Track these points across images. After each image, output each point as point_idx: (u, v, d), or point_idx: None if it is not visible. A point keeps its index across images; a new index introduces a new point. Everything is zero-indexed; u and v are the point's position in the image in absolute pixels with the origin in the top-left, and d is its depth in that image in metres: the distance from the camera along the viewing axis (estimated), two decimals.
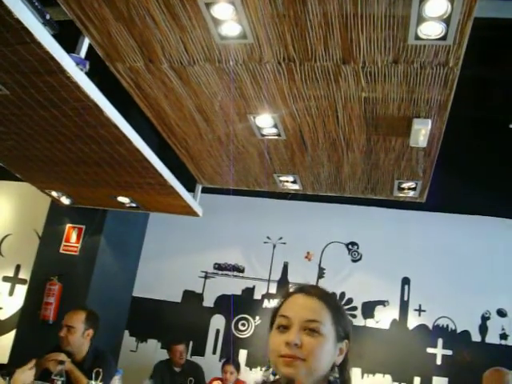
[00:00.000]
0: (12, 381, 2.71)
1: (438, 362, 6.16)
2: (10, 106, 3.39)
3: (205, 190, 5.32)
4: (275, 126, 3.77)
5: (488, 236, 6.37)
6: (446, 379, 6.09)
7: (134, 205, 5.27)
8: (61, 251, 6.11)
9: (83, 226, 6.13)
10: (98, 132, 3.61)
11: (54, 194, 5.38)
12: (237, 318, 6.69)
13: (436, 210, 6.46)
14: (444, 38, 2.62)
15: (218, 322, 6.75)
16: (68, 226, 6.18)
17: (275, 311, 1.47)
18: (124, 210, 5.57)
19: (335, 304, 1.47)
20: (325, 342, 1.37)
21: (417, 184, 4.45)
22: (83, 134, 3.68)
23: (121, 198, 5.13)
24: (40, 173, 4.74)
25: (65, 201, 5.52)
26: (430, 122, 3.44)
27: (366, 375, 6.22)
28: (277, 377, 1.44)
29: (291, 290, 1.50)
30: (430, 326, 6.31)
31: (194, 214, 5.23)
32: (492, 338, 6.15)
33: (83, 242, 6.10)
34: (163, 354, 6.31)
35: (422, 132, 3.47)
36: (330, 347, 1.39)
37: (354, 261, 6.66)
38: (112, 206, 5.56)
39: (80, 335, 3.73)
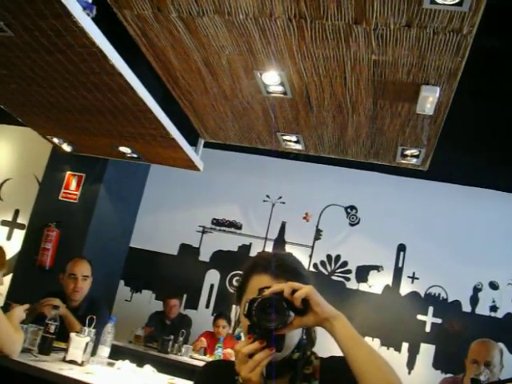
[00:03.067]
0: (9, 314, 2.74)
1: (427, 329, 6.25)
2: (14, 49, 3.34)
3: (207, 145, 5.30)
4: (282, 84, 3.72)
5: (486, 209, 6.38)
6: (433, 346, 6.19)
7: (135, 155, 5.25)
8: (60, 198, 6.12)
9: (83, 174, 6.12)
10: (102, 79, 3.56)
11: (55, 140, 5.36)
12: (232, 273, 6.76)
13: (437, 180, 6.45)
14: (460, 3, 2.57)
15: (212, 276, 6.82)
16: (68, 173, 6.17)
17: (242, 290, 1.43)
18: (125, 160, 5.55)
19: (302, 273, 1.44)
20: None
21: (420, 152, 4.42)
22: (87, 80, 3.64)
23: (122, 148, 5.11)
24: (42, 118, 4.70)
25: (66, 148, 5.50)
26: (438, 89, 3.39)
27: None
28: None
29: (255, 266, 1.43)
30: (422, 294, 6.37)
31: (195, 168, 5.22)
32: (482, 309, 6.22)
33: (83, 190, 6.10)
34: (157, 305, 6.40)
35: (429, 99, 3.43)
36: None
37: (352, 224, 6.68)
38: (113, 156, 5.54)
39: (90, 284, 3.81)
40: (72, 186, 6.14)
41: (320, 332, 1.40)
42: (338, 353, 1.29)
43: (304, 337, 1.44)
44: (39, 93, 4.06)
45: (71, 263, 3.86)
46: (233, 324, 5.97)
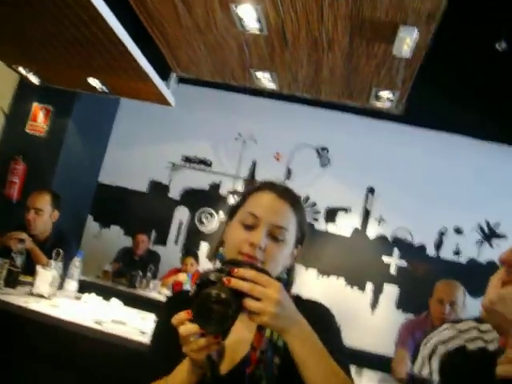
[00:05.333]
0: None
1: (392, 271, 6.38)
2: None
3: (180, 82, 5.18)
4: (258, 19, 3.62)
5: (457, 155, 6.41)
6: (397, 288, 6.34)
7: (105, 89, 5.11)
8: (27, 131, 5.97)
9: (51, 107, 5.96)
10: (72, 8, 3.41)
11: (21, 70, 5.17)
12: (201, 210, 6.75)
13: (410, 124, 6.44)
14: None
15: (181, 213, 6.80)
16: (35, 105, 5.99)
17: (240, 203, 1.41)
18: (95, 93, 5.41)
19: (302, 211, 1.43)
20: (285, 249, 1.35)
21: (394, 94, 4.40)
22: (56, 8, 3.48)
23: (91, 81, 4.97)
24: (8, 47, 4.52)
25: (33, 79, 5.33)
26: (416, 30, 3.34)
27: (320, 276, 6.42)
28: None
29: (261, 185, 1.43)
30: (389, 237, 6.47)
31: (166, 102, 5.12)
32: (446, 254, 6.36)
33: (51, 123, 5.95)
34: (126, 241, 6.39)
35: (406, 41, 3.38)
36: (288, 253, 1.37)
37: (323, 166, 6.68)
38: (82, 89, 5.39)
39: (47, 217, 3.71)
40: (39, 118, 5.98)
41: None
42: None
43: (284, 275, 1.40)
44: (4, 21, 3.88)
45: (30, 195, 3.78)
46: (201, 260, 5.99)
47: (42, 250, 3.49)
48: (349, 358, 1.33)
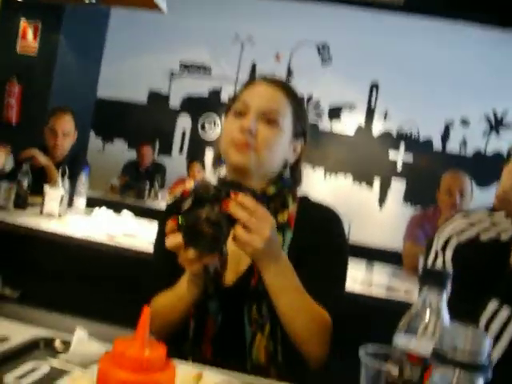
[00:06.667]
0: None
1: (399, 166, 6.37)
2: None
3: None
4: None
5: (463, 45, 6.18)
6: (403, 182, 6.35)
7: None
8: (18, 52, 5.79)
9: (39, 23, 5.74)
10: None
11: None
12: (203, 118, 6.67)
13: (414, 13, 6.17)
14: None
15: (184, 122, 6.73)
16: (23, 21, 5.78)
17: (234, 98, 1.37)
18: (82, 5, 5.18)
19: (297, 97, 1.38)
20: (281, 135, 1.30)
21: None
22: None
23: None
24: None
25: None
26: None
27: (328, 175, 6.43)
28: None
29: (252, 80, 1.39)
30: (394, 134, 6.40)
31: (157, 8, 4.89)
32: (453, 148, 6.32)
33: (41, 41, 5.75)
34: (131, 155, 6.37)
35: None
36: (286, 142, 1.33)
37: (324, 63, 6.51)
38: (69, 1, 5.17)
39: (73, 139, 3.60)
40: (29, 36, 5.77)
41: None
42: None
43: (288, 173, 1.37)
44: None
45: (53, 117, 3.58)
46: (207, 167, 5.97)
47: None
48: (339, 281, 1.32)
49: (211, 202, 1.05)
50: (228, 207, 1.05)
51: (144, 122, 6.70)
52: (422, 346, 0.60)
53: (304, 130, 1.40)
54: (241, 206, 1.06)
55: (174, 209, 1.15)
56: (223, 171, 1.39)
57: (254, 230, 1.06)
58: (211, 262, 1.11)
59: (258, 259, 1.13)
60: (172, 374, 0.55)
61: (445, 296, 0.54)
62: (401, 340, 0.53)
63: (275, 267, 1.13)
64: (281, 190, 1.33)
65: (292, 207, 1.33)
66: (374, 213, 6.38)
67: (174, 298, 1.23)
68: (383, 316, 1.43)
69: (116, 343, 0.55)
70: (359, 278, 2.77)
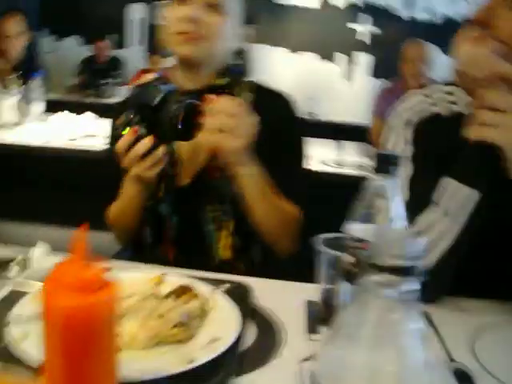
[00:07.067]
0: None
1: (365, 39, 6.20)
2: None
3: None
4: None
5: None
6: (370, 55, 6.21)
7: None
8: None
9: None
10: None
11: None
12: (158, 3, 6.30)
13: None
14: None
15: (138, 10, 6.38)
16: None
17: None
18: None
19: None
20: (227, 21, 1.21)
21: None
22: None
23: None
24: None
25: None
26: None
27: (291, 53, 6.24)
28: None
29: None
30: (360, 3, 6.15)
31: None
32: (420, 15, 6.13)
33: None
34: (88, 52, 6.08)
35: None
36: (233, 28, 1.25)
37: None
38: None
39: (24, 42, 3.31)
40: None
41: None
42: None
43: (238, 61, 1.30)
44: None
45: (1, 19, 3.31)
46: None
47: None
48: (302, 178, 1.31)
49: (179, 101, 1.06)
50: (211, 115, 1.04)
51: (97, 15, 6.31)
52: None
53: (253, 14, 1.32)
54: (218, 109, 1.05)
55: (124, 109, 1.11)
56: (170, 62, 1.30)
57: (229, 130, 1.04)
58: (160, 161, 1.09)
59: (236, 162, 1.11)
60: (113, 291, 0.54)
61: (397, 181, 0.51)
62: (354, 228, 0.52)
63: (251, 169, 1.12)
64: (232, 80, 1.27)
65: (246, 97, 1.26)
66: (342, 88, 6.27)
67: (123, 204, 1.22)
68: (356, 195, 1.43)
69: (55, 267, 0.54)
70: (331, 158, 2.80)
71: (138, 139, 1.05)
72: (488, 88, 0.86)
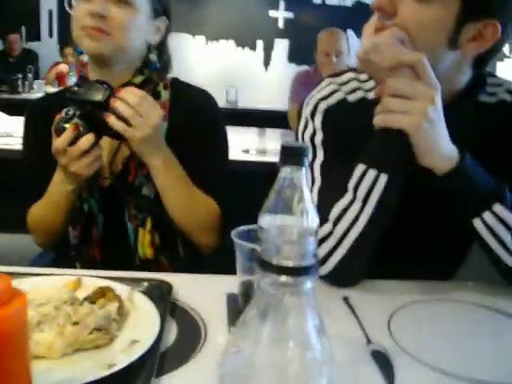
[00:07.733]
0: None
1: (280, 25, 6.25)
2: None
3: None
4: None
5: None
6: (286, 41, 6.27)
7: None
8: None
9: None
10: None
11: None
12: None
13: None
14: None
15: (49, 2, 6.15)
16: None
17: None
18: None
19: None
20: (136, 15, 1.19)
21: None
22: None
23: None
24: None
25: None
26: None
27: (209, 42, 6.21)
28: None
29: None
30: None
31: None
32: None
33: None
34: None
35: None
36: (143, 22, 1.22)
37: None
38: None
39: None
40: None
41: None
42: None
43: (154, 57, 1.27)
44: None
45: None
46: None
47: None
48: (223, 166, 1.32)
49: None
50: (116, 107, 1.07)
51: (6, 7, 6.06)
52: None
53: (166, 6, 1.30)
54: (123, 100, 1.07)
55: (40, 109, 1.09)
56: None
57: (139, 124, 1.07)
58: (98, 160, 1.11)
59: (143, 152, 1.13)
60: (22, 302, 0.52)
61: (304, 172, 0.52)
62: (265, 221, 0.52)
63: (160, 159, 1.14)
64: (149, 77, 1.26)
65: (164, 95, 1.27)
66: (259, 75, 6.31)
67: (49, 205, 1.20)
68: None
69: None
70: (253, 147, 2.79)
71: (77, 136, 1.06)
72: (392, 75, 0.88)
